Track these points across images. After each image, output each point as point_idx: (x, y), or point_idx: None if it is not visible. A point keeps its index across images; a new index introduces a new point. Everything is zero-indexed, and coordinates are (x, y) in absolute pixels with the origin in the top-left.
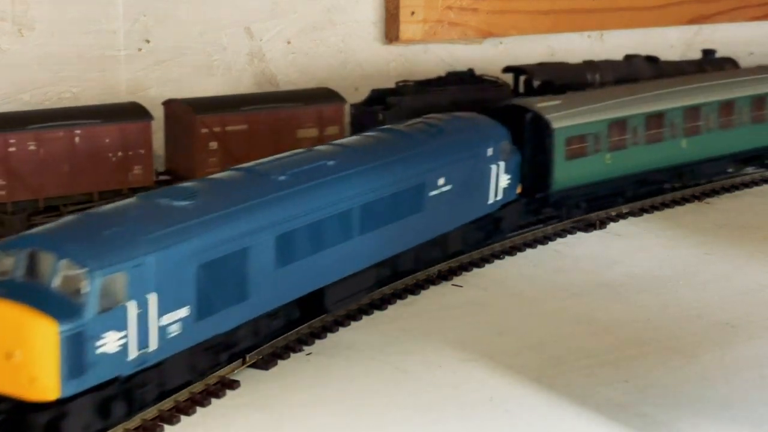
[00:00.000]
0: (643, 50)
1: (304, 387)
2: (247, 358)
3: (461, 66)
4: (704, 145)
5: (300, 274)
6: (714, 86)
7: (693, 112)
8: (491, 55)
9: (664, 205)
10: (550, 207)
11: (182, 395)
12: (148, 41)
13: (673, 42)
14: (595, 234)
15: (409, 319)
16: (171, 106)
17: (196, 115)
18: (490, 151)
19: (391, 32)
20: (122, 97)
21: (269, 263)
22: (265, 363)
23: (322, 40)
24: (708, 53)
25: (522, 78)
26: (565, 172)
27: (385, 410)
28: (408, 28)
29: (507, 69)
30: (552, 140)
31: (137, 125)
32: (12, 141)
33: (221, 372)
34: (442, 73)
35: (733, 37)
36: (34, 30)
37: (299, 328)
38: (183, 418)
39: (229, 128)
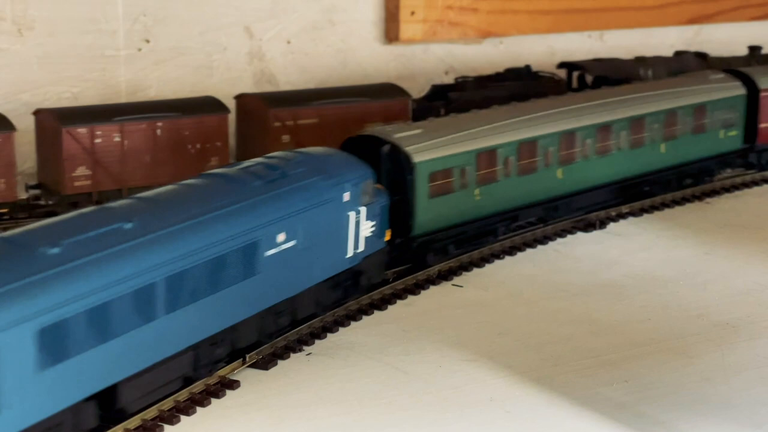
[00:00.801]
0: (643, 50)
1: (304, 387)
2: (247, 358)
3: (461, 66)
4: (581, 174)
5: (79, 373)
6: (591, 108)
7: (568, 137)
8: (491, 55)
9: (664, 205)
10: (411, 254)
11: (182, 395)
12: (148, 41)
13: (673, 42)
14: (595, 234)
15: (409, 319)
16: (243, 99)
17: (270, 108)
18: (347, 196)
19: (391, 32)
20: (122, 97)
21: (28, 365)
22: (265, 363)
23: (322, 39)
24: (754, 49)
25: (575, 73)
26: (429, 213)
27: (385, 410)
28: (408, 28)
29: (561, 65)
30: (413, 176)
31: (214, 118)
32: (98, 133)
33: (221, 372)
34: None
35: (733, 37)
36: (33, 30)
37: (299, 328)
38: (183, 418)
39: (300, 122)
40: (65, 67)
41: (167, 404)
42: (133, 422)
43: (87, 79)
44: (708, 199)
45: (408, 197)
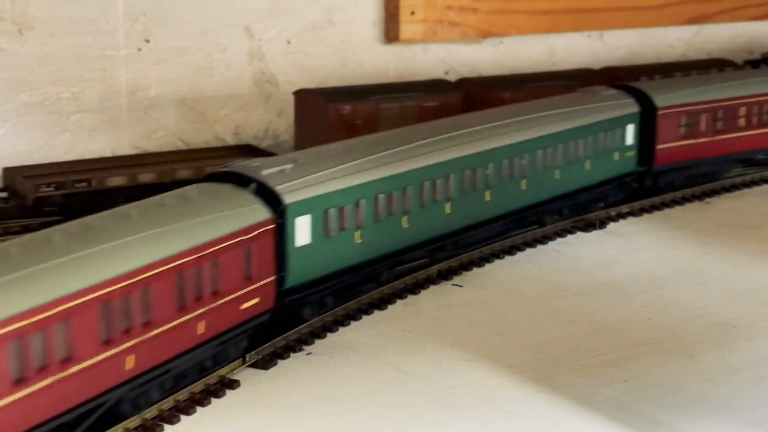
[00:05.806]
0: (643, 50)
1: (304, 387)
2: (247, 358)
3: (461, 66)
4: None
5: None
6: None
7: None
8: (491, 55)
9: (664, 205)
10: None
11: (182, 395)
12: (148, 41)
13: (673, 42)
14: (595, 234)
15: (409, 319)
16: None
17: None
18: None
19: (391, 32)
20: (122, 97)
21: None
22: (265, 363)
23: (322, 39)
24: None
25: None
26: None
27: (385, 410)
28: (408, 28)
29: None
30: None
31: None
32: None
33: (221, 372)
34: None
35: (733, 37)
36: (33, 29)
37: (299, 327)
38: (183, 417)
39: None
40: (65, 67)
41: (167, 404)
42: (133, 422)
43: (87, 79)
44: (708, 199)
45: None
